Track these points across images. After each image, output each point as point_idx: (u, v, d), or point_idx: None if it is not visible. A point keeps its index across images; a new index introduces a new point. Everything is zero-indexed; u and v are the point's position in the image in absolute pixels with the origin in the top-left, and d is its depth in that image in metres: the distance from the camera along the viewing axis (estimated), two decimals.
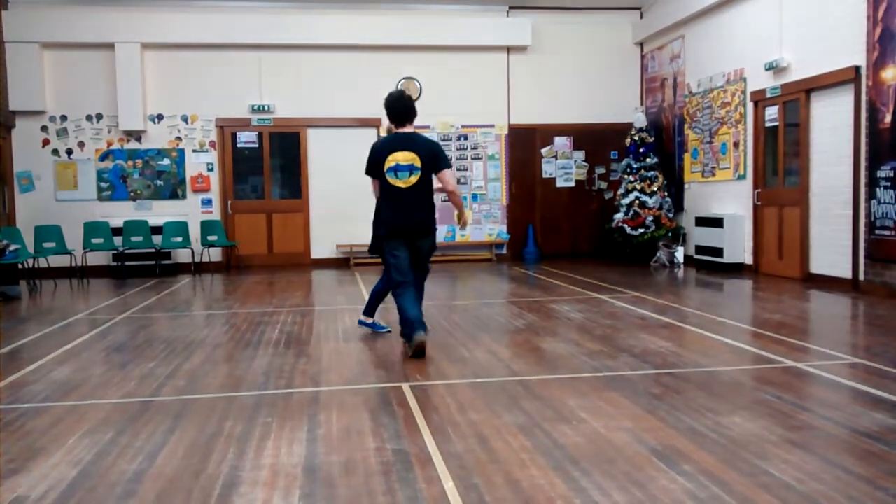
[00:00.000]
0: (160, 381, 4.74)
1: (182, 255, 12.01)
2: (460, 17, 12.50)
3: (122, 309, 8.01)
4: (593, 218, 13.07)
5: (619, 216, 11.84)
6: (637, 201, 11.58)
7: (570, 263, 11.93)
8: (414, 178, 5.26)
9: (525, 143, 12.98)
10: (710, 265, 10.58)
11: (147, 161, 12.11)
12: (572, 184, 13.15)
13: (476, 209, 12.86)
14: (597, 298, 7.96)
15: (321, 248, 12.50)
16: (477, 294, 8.93)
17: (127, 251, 11.54)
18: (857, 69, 7.93)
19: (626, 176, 11.96)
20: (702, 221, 10.85)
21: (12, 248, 9.36)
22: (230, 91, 12.14)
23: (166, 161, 12.14)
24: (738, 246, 10.21)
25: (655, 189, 11.63)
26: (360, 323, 6.33)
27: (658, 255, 11.48)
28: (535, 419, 3.74)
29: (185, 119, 12.15)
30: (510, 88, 12.82)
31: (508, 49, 12.73)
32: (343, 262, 12.41)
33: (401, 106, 5.37)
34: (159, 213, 12.07)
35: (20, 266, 9.93)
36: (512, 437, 3.47)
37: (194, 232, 11.94)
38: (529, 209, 13.08)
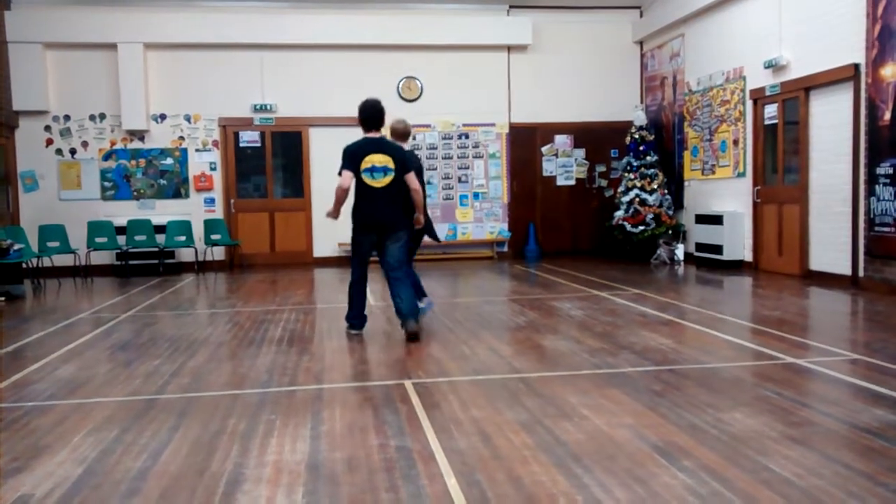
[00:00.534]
0: (164, 379, 4.76)
1: (185, 254, 12.04)
2: (461, 16, 12.52)
3: (126, 308, 8.04)
4: (594, 216, 13.09)
5: (619, 214, 11.86)
6: (637, 199, 11.60)
7: (570, 261, 11.95)
8: (388, 179, 5.75)
9: (526, 141, 13.00)
10: (710, 262, 10.59)
11: (150, 160, 12.13)
12: (573, 182, 13.16)
13: (477, 207, 12.89)
14: (597, 296, 7.98)
15: (323, 246, 12.53)
16: (478, 292, 8.96)
17: (130, 250, 11.56)
18: (856, 67, 7.94)
19: (626, 174, 11.98)
20: (702, 219, 10.87)
21: (16, 247, 9.40)
22: (232, 91, 12.17)
23: (169, 160, 12.16)
24: (738, 243, 10.23)
25: (655, 187, 11.64)
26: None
27: (658, 252, 11.51)
28: (536, 416, 3.76)
29: (187, 119, 12.18)
30: (511, 87, 12.84)
31: (509, 48, 12.74)
32: (345, 261, 12.35)
33: (374, 112, 5.86)
34: (162, 212, 12.10)
35: (24, 265, 9.97)
36: (514, 434, 3.49)
37: (197, 231, 11.97)
38: (530, 207, 13.10)
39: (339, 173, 5.81)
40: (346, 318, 6.17)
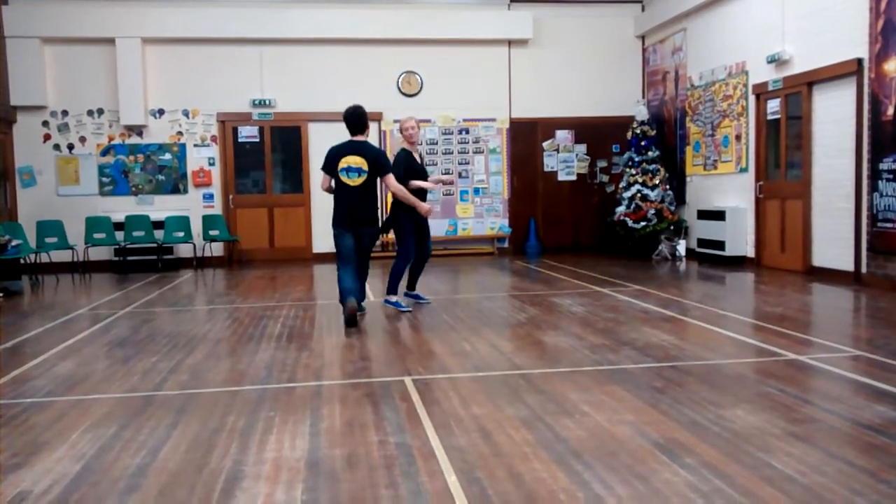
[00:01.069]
0: (163, 375, 4.74)
1: (184, 250, 12.02)
2: (461, 10, 12.48)
3: (125, 304, 8.02)
4: (595, 211, 13.06)
5: (620, 209, 11.83)
6: (639, 194, 11.57)
7: (571, 257, 11.93)
8: (360, 179, 6.40)
9: (526, 136, 12.96)
10: (712, 258, 10.57)
11: (148, 156, 12.10)
12: (574, 177, 13.13)
13: (478, 203, 12.86)
14: (599, 292, 7.95)
15: (323, 242, 12.47)
16: (479, 288, 8.93)
17: (129, 246, 11.54)
18: (859, 61, 7.90)
19: (627, 169, 11.95)
20: (704, 214, 10.84)
21: (14, 243, 9.37)
22: (231, 85, 12.14)
23: (168, 156, 12.13)
24: (740, 239, 10.20)
25: (657, 182, 11.61)
26: (385, 302, 7.10)
27: (660, 248, 11.48)
28: (537, 413, 3.74)
29: (186, 114, 12.14)
30: (511, 82, 12.80)
31: (510, 42, 12.70)
32: None
33: (356, 118, 6.50)
34: (161, 207, 12.08)
35: (22, 261, 9.95)
36: (514, 431, 3.47)
37: (196, 227, 11.95)
38: (531, 203, 13.07)
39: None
40: (339, 302, 6.54)
